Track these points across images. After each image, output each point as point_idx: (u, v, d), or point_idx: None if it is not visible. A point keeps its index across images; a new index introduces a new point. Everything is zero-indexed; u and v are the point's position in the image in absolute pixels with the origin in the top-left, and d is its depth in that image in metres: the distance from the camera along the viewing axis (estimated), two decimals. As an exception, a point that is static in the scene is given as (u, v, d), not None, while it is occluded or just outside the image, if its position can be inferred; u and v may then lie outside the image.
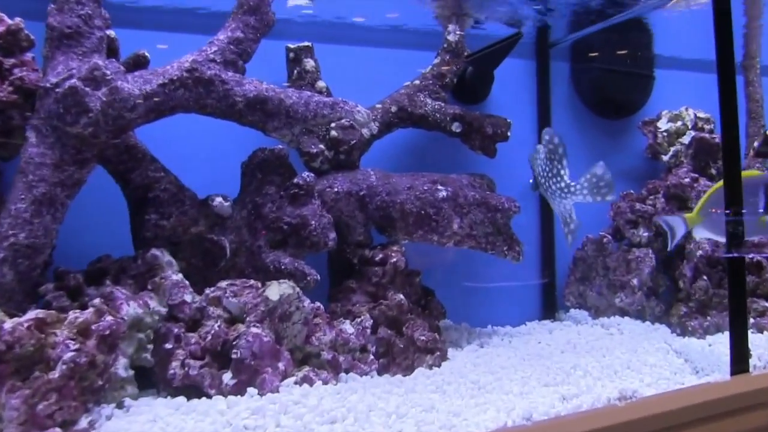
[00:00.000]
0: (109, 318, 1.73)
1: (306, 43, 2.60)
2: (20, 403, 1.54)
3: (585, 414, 1.81)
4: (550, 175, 2.68)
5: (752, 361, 2.16)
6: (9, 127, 2.01)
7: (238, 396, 1.83)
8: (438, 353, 2.30)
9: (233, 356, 1.88)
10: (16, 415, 1.53)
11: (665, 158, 3.14)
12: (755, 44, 3.28)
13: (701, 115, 3.12)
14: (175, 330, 1.95)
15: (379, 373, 2.16)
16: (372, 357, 2.16)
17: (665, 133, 3.15)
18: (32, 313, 1.66)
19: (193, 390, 1.88)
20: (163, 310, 2.01)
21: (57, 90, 1.85)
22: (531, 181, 2.81)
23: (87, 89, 1.85)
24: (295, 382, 1.91)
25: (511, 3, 2.75)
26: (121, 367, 1.85)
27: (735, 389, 2.02)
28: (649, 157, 3.24)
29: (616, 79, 3.30)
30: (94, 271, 2.11)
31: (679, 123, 3.13)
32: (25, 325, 1.62)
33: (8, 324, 1.59)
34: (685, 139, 3.08)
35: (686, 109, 3.15)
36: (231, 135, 2.39)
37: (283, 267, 2.22)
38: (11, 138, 2.03)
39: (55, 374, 1.61)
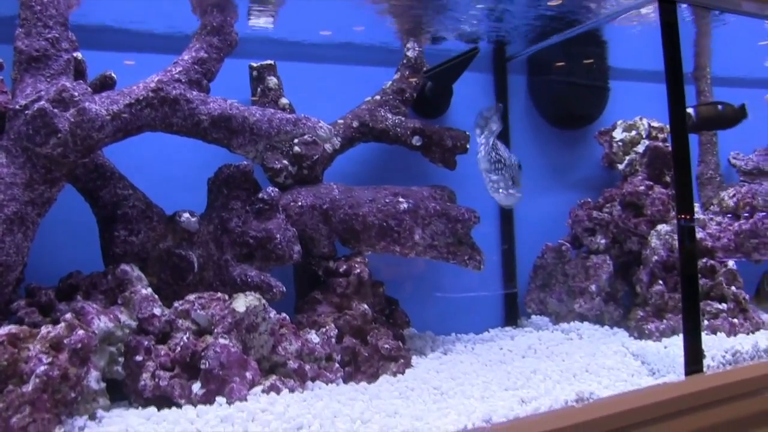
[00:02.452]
0: (80, 332, 1.79)
1: (269, 62, 2.67)
2: (-2, 417, 1.60)
3: (542, 415, 1.92)
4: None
5: (706, 362, 2.30)
6: (-22, 148, 2.05)
7: (208, 405, 1.90)
8: (402, 361, 2.39)
9: (202, 367, 1.94)
10: (-4, 427, 1.59)
11: (621, 167, 3.24)
12: (705, 57, 3.41)
13: (655, 124, 3.21)
14: (145, 342, 2.00)
15: (345, 381, 2.24)
16: (337, 365, 2.24)
17: (620, 143, 3.25)
18: (5, 329, 1.72)
19: (163, 400, 1.94)
20: (133, 324, 2.07)
21: (26, 112, 1.91)
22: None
23: (55, 111, 1.91)
24: (263, 391, 1.98)
25: (467, 21, 2.83)
26: (93, 379, 1.90)
27: (689, 389, 2.15)
28: (605, 166, 3.34)
29: (572, 90, 3.39)
30: (65, 287, 2.17)
31: (633, 132, 3.23)
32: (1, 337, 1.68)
33: (-16, 339, 1.65)
34: (640, 148, 3.18)
35: (640, 119, 3.25)
36: (197, 152, 2.45)
37: (249, 280, 2.29)
38: (-19, 159, 2.07)
39: (28, 387, 1.67)
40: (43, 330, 1.77)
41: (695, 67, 3.46)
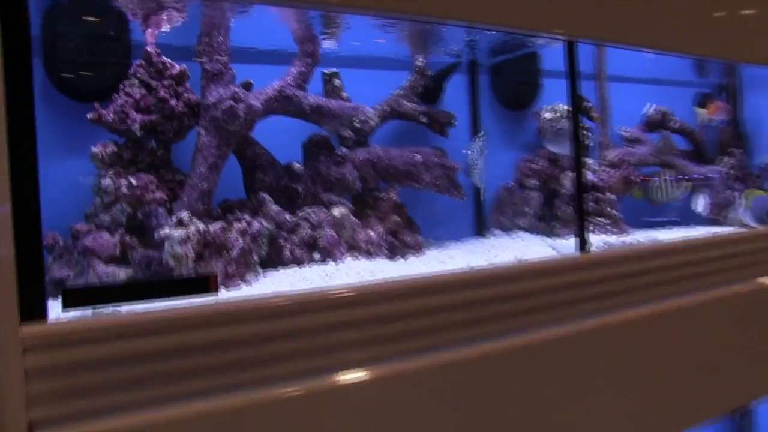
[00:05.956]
0: (255, 225, 2.57)
1: (334, 70, 3.09)
2: (222, 267, 2.43)
3: (497, 265, 2.74)
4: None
5: (590, 247, 3.00)
6: (181, 126, 2.76)
7: (323, 264, 2.55)
8: (419, 248, 3.07)
9: (319, 245, 2.59)
10: (221, 272, 2.43)
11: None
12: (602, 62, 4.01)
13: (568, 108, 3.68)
14: (283, 233, 2.57)
15: (389, 259, 2.78)
16: (385, 249, 2.82)
17: (545, 119, 3.85)
18: (219, 223, 2.49)
19: (297, 264, 2.54)
20: (271, 227, 2.58)
21: (219, 106, 2.64)
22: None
23: (236, 105, 2.68)
24: (350, 259, 2.66)
25: (452, 47, 3.46)
26: (256, 254, 2.46)
27: (578, 259, 2.91)
28: (539, 135, 3.94)
29: (519, 86, 3.99)
30: (225, 206, 2.64)
31: (556, 113, 3.82)
32: (218, 228, 2.48)
33: (210, 227, 2.46)
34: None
35: (559, 104, 3.81)
36: (297, 127, 2.94)
37: (333, 201, 2.96)
38: (181, 133, 2.80)
39: (234, 253, 2.47)
40: (236, 224, 2.53)
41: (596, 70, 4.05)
